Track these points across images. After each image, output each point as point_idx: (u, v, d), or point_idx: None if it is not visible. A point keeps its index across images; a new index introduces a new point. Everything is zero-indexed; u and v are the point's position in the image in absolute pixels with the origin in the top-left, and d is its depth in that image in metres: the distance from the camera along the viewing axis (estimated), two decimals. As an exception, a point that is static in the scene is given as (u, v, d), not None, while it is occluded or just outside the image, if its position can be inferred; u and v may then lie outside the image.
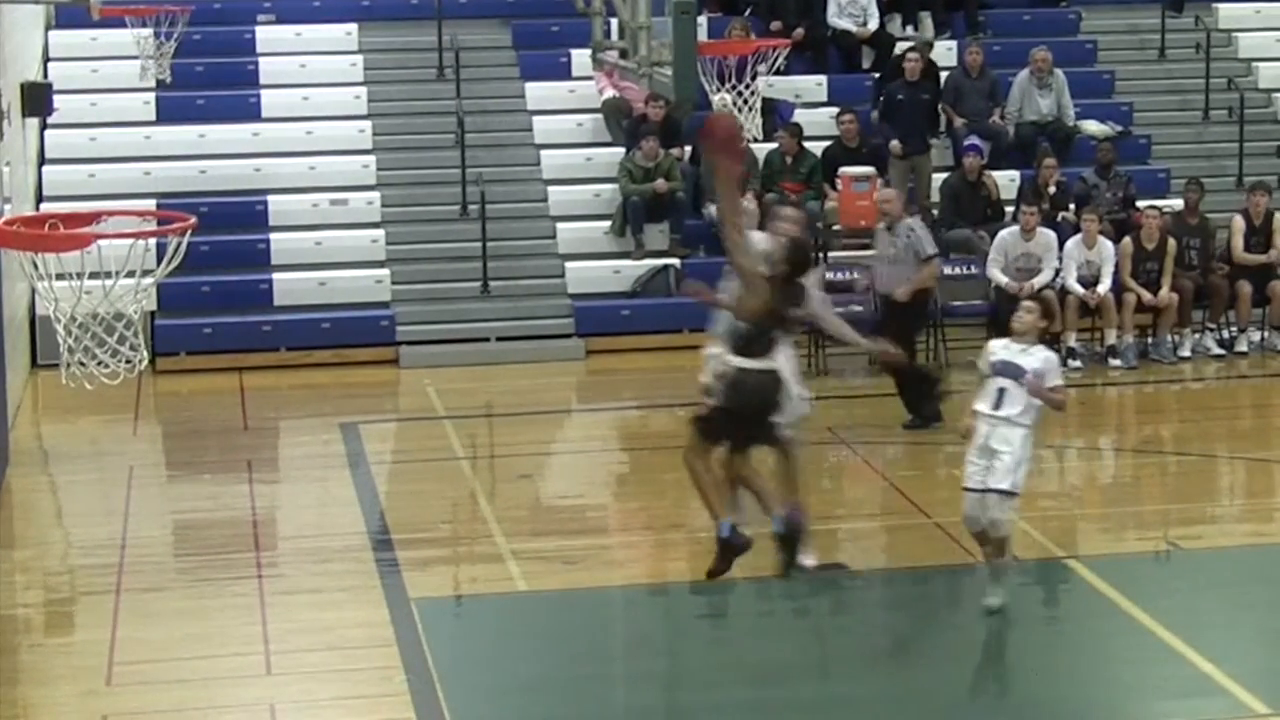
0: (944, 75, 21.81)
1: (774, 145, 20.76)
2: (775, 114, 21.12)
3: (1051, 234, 19.10)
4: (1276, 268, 19.68)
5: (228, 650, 11.65)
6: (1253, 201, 19.91)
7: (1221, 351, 19.40)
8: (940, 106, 21.51)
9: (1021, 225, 19.00)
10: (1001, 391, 11.67)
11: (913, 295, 16.60)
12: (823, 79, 22.54)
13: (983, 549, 11.97)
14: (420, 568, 13.13)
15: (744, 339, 11.19)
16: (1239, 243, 19.74)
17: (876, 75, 22.24)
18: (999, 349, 11.87)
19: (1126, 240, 19.21)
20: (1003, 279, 18.87)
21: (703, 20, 21.02)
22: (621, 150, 21.02)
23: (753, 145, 19.99)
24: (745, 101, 15.77)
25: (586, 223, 20.81)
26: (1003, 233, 19.24)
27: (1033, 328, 11.87)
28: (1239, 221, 19.85)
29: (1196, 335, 19.51)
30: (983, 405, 11.74)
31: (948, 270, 19.63)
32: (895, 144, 21.05)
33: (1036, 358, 11.74)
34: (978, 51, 21.90)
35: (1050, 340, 12.04)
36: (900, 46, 22.21)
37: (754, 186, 20.66)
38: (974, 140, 20.83)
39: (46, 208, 18.63)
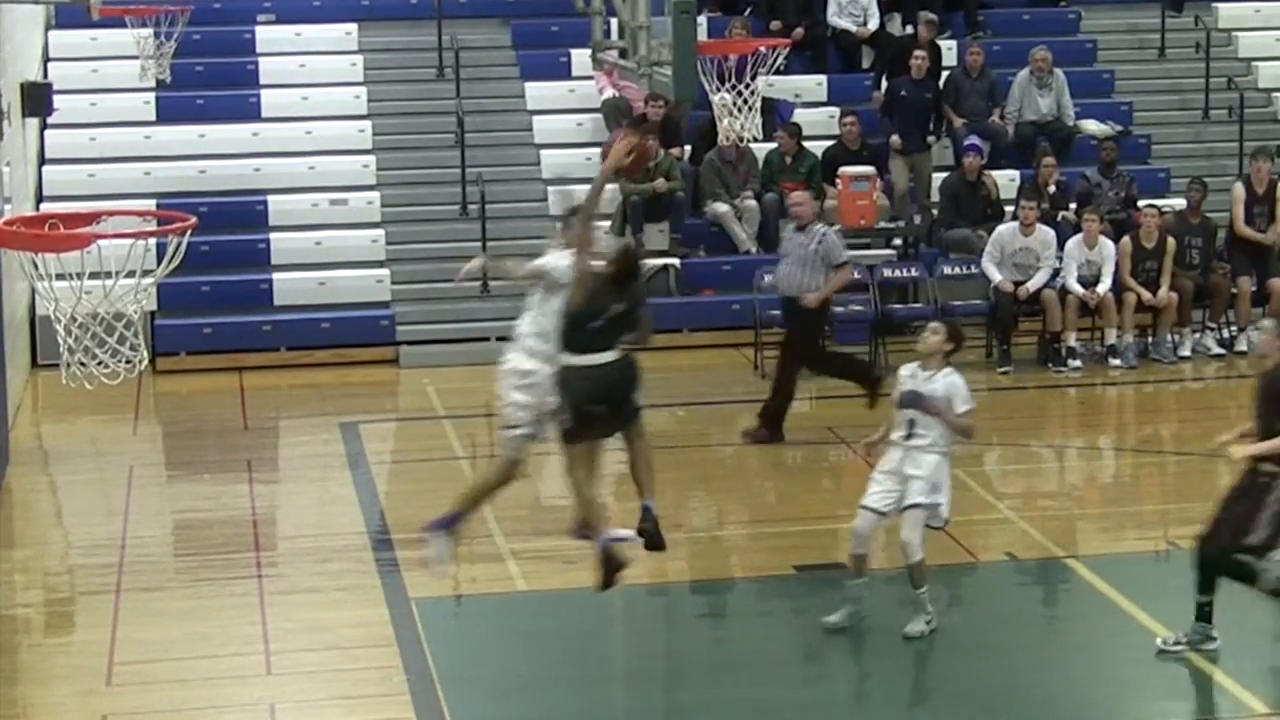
0: (944, 75, 21.81)
1: (774, 145, 20.78)
2: (775, 114, 21.12)
3: (1050, 231, 19.08)
4: (1275, 250, 19.63)
5: (227, 650, 11.66)
6: (1255, 168, 19.78)
7: (1221, 351, 19.39)
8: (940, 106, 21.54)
9: (1021, 220, 19.00)
10: (912, 422, 11.50)
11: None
12: (822, 79, 22.55)
13: (856, 570, 11.76)
14: (420, 567, 13.11)
15: (567, 333, 11.00)
16: (1240, 212, 19.61)
17: (880, 68, 22.23)
18: (906, 377, 11.63)
19: (1126, 240, 19.16)
20: (997, 275, 18.86)
21: (703, 20, 21.01)
22: (621, 150, 20.99)
23: (753, 145, 20.03)
24: (745, 101, 15.74)
25: (586, 222, 20.77)
26: (1001, 228, 19.22)
27: (936, 350, 11.56)
28: (1239, 190, 19.71)
29: (1196, 335, 19.50)
30: (896, 433, 11.58)
31: (947, 270, 19.65)
32: (895, 139, 21.07)
33: (940, 384, 11.49)
34: (978, 51, 21.91)
35: (956, 363, 11.75)
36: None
37: (754, 186, 20.73)
38: (974, 140, 20.83)
39: (46, 208, 18.63)
